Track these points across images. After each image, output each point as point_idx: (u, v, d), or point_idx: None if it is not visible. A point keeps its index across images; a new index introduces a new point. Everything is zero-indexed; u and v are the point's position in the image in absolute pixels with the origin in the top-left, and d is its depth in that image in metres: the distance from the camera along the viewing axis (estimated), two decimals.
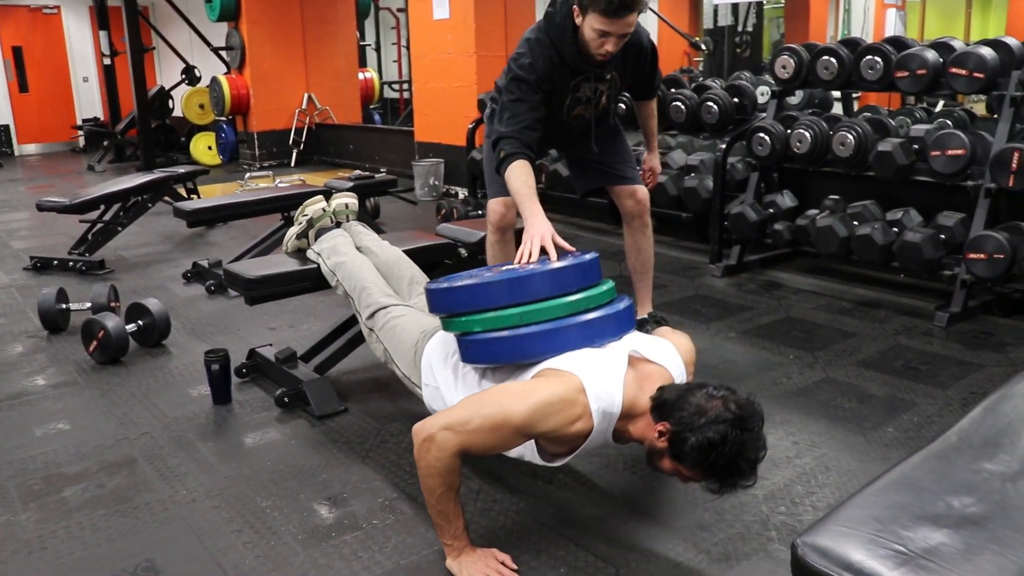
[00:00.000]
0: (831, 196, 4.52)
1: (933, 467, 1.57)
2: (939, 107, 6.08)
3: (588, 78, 3.10)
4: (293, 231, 3.22)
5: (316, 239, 3.16)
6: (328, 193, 3.37)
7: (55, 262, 5.35)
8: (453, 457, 1.96)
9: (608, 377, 2.04)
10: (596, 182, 3.51)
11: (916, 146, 4.13)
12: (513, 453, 2.18)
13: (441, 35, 7.49)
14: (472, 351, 2.23)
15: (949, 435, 1.70)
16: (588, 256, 2.32)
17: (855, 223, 4.27)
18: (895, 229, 4.15)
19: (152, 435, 2.94)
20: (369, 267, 2.94)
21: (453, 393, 2.33)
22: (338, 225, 3.21)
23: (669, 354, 2.25)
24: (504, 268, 2.46)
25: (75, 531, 2.34)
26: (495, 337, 2.17)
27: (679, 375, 2.23)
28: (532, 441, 2.08)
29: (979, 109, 6.33)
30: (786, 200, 4.70)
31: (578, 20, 2.90)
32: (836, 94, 5.60)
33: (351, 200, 3.26)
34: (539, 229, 2.56)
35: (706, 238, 5.11)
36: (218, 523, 2.36)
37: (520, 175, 2.85)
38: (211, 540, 2.28)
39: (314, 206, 3.19)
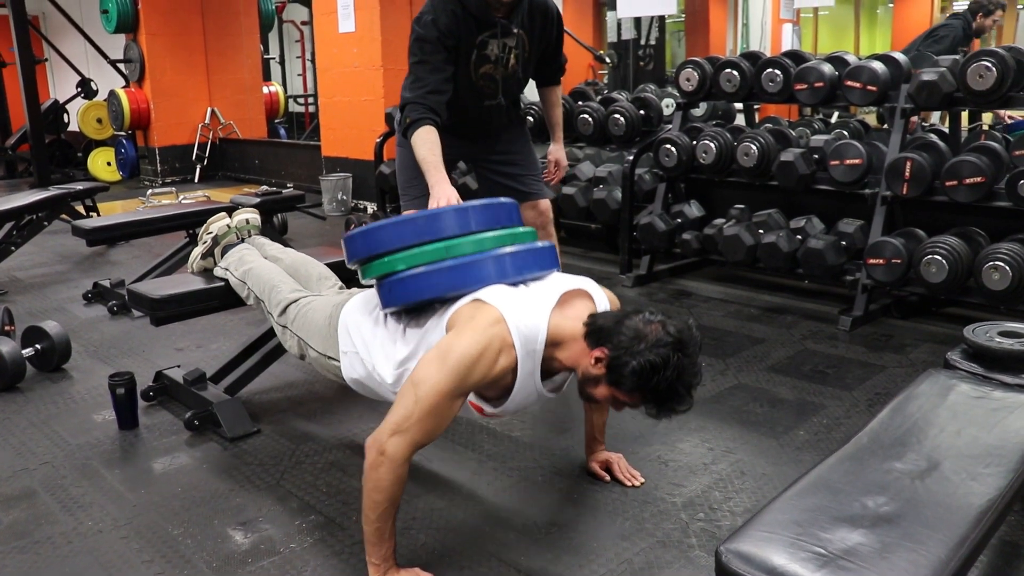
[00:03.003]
0: (737, 205, 4.64)
1: (847, 468, 1.61)
2: (835, 118, 6.32)
3: (495, 34, 3.07)
4: (198, 251, 3.13)
5: (222, 256, 3.08)
6: (231, 209, 3.29)
7: None
8: (403, 464, 1.93)
9: (531, 309, 2.03)
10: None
11: (816, 156, 4.28)
12: None
13: (347, 48, 7.41)
14: (396, 292, 2.19)
15: (860, 437, 1.75)
16: (508, 199, 2.34)
17: (760, 231, 4.39)
18: (799, 236, 4.29)
19: (53, 464, 2.81)
20: (277, 269, 2.89)
21: (371, 349, 2.29)
22: (242, 241, 3.14)
23: (594, 286, 2.24)
24: None
25: None
26: (418, 273, 2.14)
27: (603, 304, 2.20)
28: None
29: (871, 120, 6.59)
30: (693, 210, 4.80)
31: None
32: (739, 106, 5.75)
33: (252, 216, 3.19)
34: (444, 193, 2.57)
35: (616, 248, 5.18)
36: (127, 554, 2.27)
37: (426, 141, 2.82)
38: (120, 572, 2.18)
39: (218, 223, 3.12)
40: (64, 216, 5.89)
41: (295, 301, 2.66)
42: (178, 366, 3.37)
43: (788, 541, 1.37)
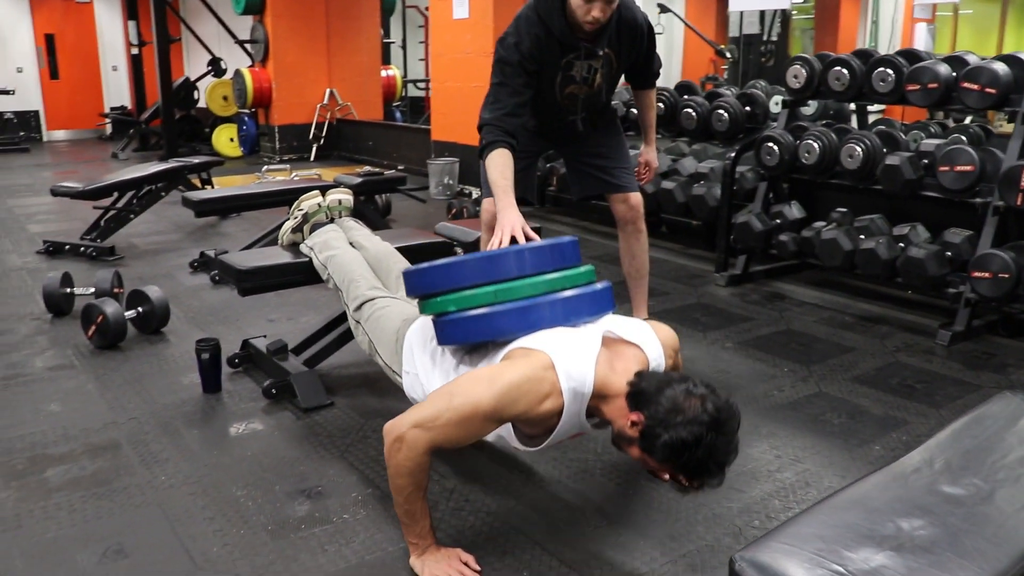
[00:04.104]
0: (839, 209, 4.47)
1: (889, 487, 1.54)
2: (967, 121, 5.98)
3: (580, 55, 3.05)
4: (289, 225, 3.23)
5: (310, 233, 3.17)
6: (334, 187, 3.38)
7: (67, 247, 5.42)
8: (423, 455, 1.95)
9: (579, 355, 2.01)
10: (591, 189, 3.47)
11: (925, 161, 4.07)
12: (490, 437, 2.13)
13: (460, 35, 7.49)
14: (447, 331, 2.21)
15: (912, 455, 1.67)
16: (567, 239, 2.31)
17: (861, 237, 4.22)
18: (900, 244, 4.09)
19: (139, 420, 2.97)
20: (359, 261, 2.95)
21: (430, 378, 2.32)
22: (331, 221, 3.22)
23: (646, 335, 2.19)
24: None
25: (52, 511, 2.37)
26: (469, 316, 2.14)
27: (656, 357, 2.17)
28: (508, 424, 2.05)
29: (1008, 127, 6.20)
30: (794, 211, 4.66)
31: None
32: (852, 106, 5.53)
33: (345, 196, 3.26)
34: (510, 220, 2.57)
35: (714, 246, 5.07)
36: (192, 510, 2.38)
37: (498, 165, 2.83)
38: (182, 526, 2.30)
39: (309, 201, 3.21)
40: (181, 188, 6.17)
41: (371, 300, 2.72)
42: (264, 336, 3.50)
43: (807, 556, 1.32)
